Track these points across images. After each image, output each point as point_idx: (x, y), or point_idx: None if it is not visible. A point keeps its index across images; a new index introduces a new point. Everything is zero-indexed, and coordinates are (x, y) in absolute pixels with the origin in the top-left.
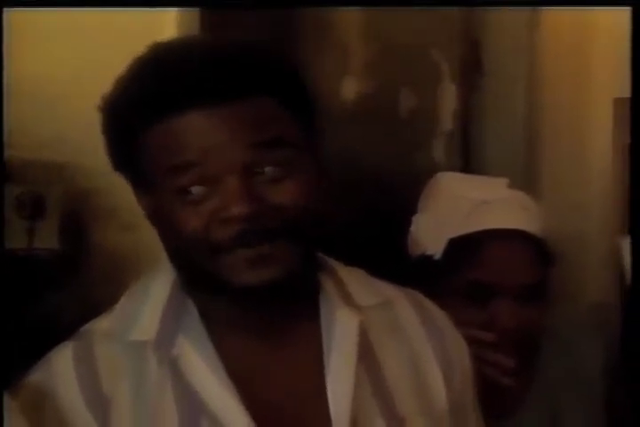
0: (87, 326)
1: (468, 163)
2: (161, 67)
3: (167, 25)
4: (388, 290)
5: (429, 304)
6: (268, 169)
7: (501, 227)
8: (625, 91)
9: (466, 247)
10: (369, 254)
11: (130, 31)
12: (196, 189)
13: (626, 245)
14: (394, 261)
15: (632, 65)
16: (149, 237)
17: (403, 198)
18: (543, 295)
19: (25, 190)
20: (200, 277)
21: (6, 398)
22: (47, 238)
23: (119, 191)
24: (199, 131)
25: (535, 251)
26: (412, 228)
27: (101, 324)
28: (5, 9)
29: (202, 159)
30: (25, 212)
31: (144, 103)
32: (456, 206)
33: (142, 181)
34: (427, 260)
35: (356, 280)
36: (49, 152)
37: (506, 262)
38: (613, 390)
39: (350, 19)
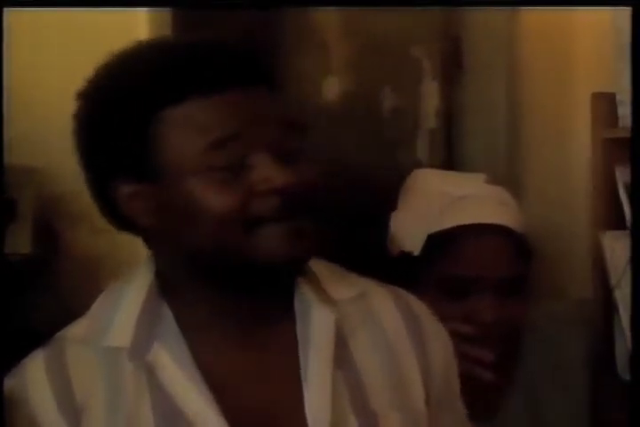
0: (60, 333)
1: (451, 159)
2: (179, 51)
3: (139, 26)
4: (364, 283)
5: (407, 296)
6: (292, 147)
7: (479, 222)
8: (603, 85)
9: (444, 243)
10: (352, 252)
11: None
12: (229, 165)
13: (607, 240)
14: (376, 259)
15: (632, 65)
16: (123, 239)
17: (386, 196)
18: (523, 290)
19: None
20: (220, 262)
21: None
22: (19, 243)
23: None
24: (232, 108)
25: (513, 245)
26: (391, 224)
27: (75, 330)
28: (5, 9)
29: (237, 134)
30: None
31: (161, 86)
32: (433, 202)
33: (147, 175)
34: (406, 256)
35: (331, 275)
36: (20, 156)
37: (484, 257)
38: (597, 386)
39: (331, 18)
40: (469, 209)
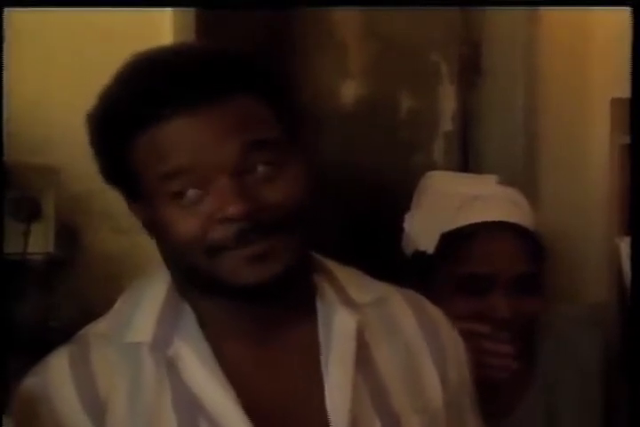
0: (83, 331)
1: (467, 163)
2: (139, 77)
3: (165, 25)
4: (383, 288)
5: (424, 302)
6: (259, 168)
7: (492, 220)
8: (622, 91)
9: (458, 241)
10: (368, 254)
11: (128, 32)
12: (189, 193)
13: (624, 244)
14: (392, 260)
15: (632, 65)
16: (144, 240)
17: (402, 199)
18: (538, 287)
19: (20, 194)
20: (198, 280)
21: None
22: (42, 242)
23: (114, 195)
24: (186, 134)
25: (526, 243)
26: (406, 225)
27: (97, 327)
28: (5, 9)
29: (192, 162)
30: (20, 215)
31: (127, 114)
32: (447, 202)
33: (136, 191)
34: (421, 255)
35: (352, 279)
36: (44, 156)
37: (497, 254)
38: (612, 388)
39: (349, 19)
40: (483, 208)
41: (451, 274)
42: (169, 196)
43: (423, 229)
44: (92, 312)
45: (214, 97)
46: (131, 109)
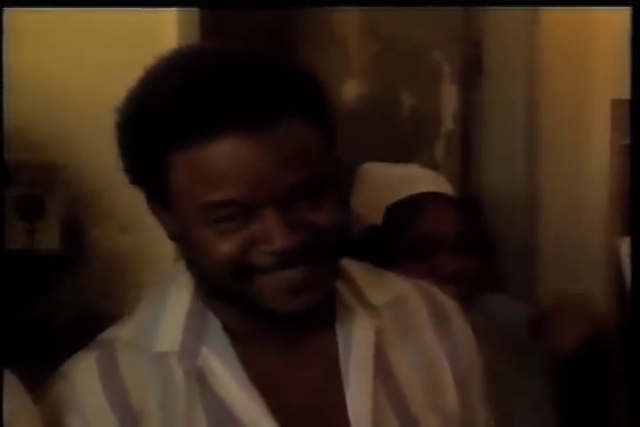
0: (107, 336)
1: (468, 162)
2: (194, 83)
3: (166, 25)
4: (398, 284)
5: (436, 292)
6: (306, 197)
7: (429, 191)
8: (623, 92)
9: (401, 211)
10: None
11: (130, 31)
12: (232, 219)
13: (624, 244)
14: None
15: (632, 65)
16: (149, 238)
17: None
18: (474, 247)
19: (25, 191)
20: (225, 296)
21: (6, 395)
22: (47, 239)
23: (119, 192)
24: (240, 162)
25: (456, 209)
26: (352, 206)
27: (122, 333)
28: (5, 9)
29: (242, 193)
30: (25, 213)
31: (175, 124)
32: (388, 180)
33: (164, 198)
34: (371, 230)
35: (368, 278)
36: (49, 153)
37: (437, 219)
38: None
39: (351, 19)
40: (419, 182)
41: (400, 240)
42: (210, 220)
43: (370, 205)
44: (98, 310)
45: (269, 117)
46: (182, 118)
